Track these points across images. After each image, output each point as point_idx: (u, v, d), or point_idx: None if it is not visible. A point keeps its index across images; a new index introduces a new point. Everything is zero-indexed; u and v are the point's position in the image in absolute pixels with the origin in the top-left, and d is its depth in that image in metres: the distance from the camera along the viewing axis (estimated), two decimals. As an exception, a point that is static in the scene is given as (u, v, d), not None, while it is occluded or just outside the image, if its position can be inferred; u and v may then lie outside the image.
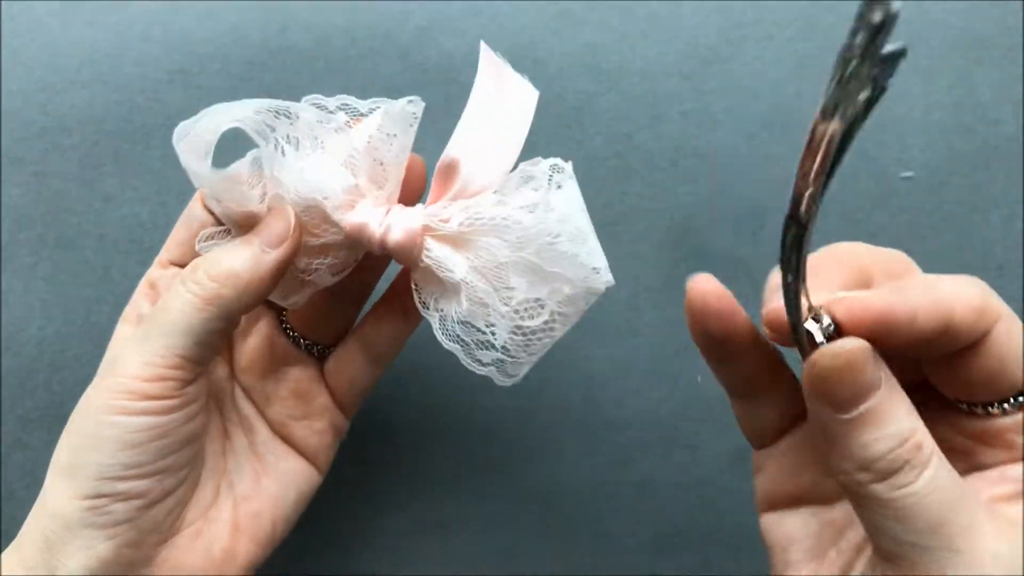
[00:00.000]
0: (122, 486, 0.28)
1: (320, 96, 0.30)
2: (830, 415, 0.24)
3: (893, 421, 0.24)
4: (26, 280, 0.41)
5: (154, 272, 0.34)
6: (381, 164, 0.30)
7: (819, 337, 0.24)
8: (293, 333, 0.35)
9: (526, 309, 0.30)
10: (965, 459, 0.26)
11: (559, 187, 0.30)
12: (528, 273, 0.29)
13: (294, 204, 0.30)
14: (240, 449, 0.34)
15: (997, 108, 0.42)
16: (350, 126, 0.30)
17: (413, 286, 0.31)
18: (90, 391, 0.29)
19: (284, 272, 0.30)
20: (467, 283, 0.29)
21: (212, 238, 0.32)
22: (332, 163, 0.29)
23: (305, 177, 0.29)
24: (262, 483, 0.33)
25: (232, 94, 0.41)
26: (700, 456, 0.41)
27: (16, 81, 0.41)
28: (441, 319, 0.31)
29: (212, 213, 0.32)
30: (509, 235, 0.29)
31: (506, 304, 0.30)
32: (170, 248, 0.34)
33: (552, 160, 0.30)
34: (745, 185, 0.42)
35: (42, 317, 0.41)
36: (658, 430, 0.41)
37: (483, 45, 0.31)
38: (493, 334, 0.30)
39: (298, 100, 0.41)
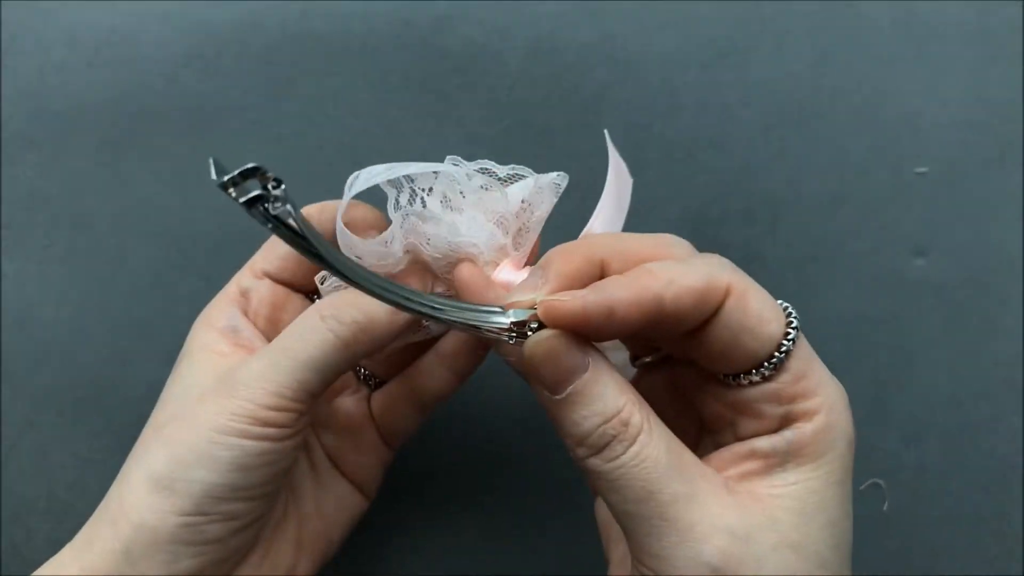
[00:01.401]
0: (225, 507, 0.28)
1: (458, 158, 0.31)
2: (547, 397, 0.27)
3: (599, 400, 0.26)
4: (40, 262, 0.41)
5: (246, 280, 0.33)
6: (524, 227, 0.32)
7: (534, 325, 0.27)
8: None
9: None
10: (731, 430, 0.28)
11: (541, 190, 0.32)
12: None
13: (433, 255, 0.30)
14: (302, 469, 0.34)
15: (1011, 104, 0.42)
16: (487, 188, 0.31)
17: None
18: (204, 405, 0.28)
19: (407, 332, 0.31)
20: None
21: (331, 278, 0.31)
22: (484, 222, 0.31)
23: (460, 230, 0.30)
24: (320, 504, 0.34)
25: (249, 78, 0.41)
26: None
27: (34, 62, 0.41)
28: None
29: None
30: (494, 204, 0.31)
31: None
32: (268, 259, 0.33)
33: (559, 176, 0.32)
34: (761, 177, 0.42)
35: (56, 299, 0.41)
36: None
37: (607, 135, 0.32)
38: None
39: (315, 85, 0.41)
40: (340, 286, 0.31)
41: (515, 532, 0.41)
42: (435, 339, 0.34)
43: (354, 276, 0.26)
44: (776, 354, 0.27)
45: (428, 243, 0.30)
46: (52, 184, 0.41)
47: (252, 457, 0.28)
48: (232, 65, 0.41)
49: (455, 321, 0.27)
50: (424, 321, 0.32)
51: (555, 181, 0.31)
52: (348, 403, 0.35)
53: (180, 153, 0.41)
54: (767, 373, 0.27)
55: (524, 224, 0.32)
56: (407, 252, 0.31)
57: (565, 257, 0.27)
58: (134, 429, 0.31)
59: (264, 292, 0.33)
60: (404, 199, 0.31)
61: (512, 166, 0.32)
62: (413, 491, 0.41)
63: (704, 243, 0.42)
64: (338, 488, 0.34)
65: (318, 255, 0.25)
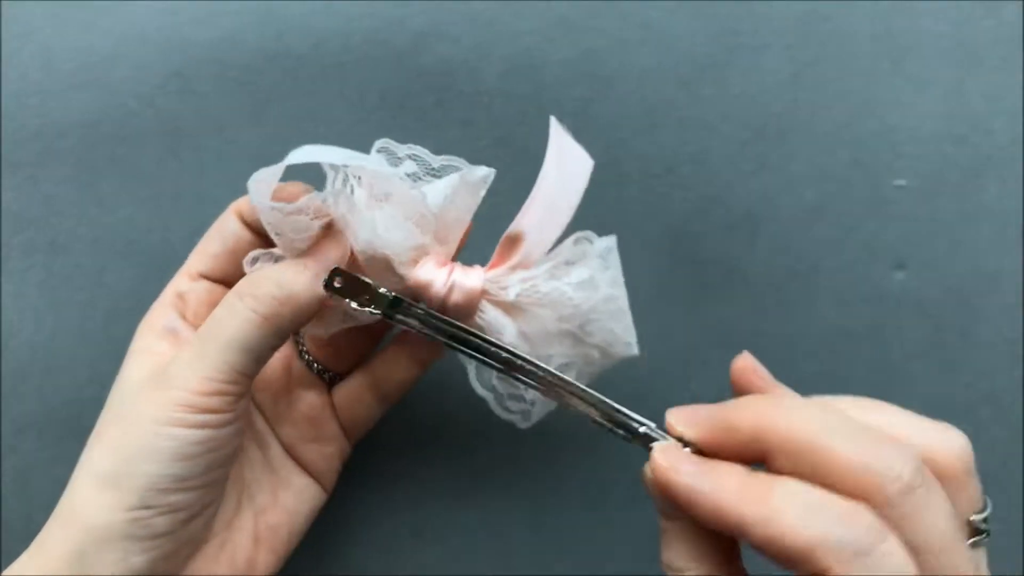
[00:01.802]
0: (170, 498, 0.28)
1: (391, 141, 0.31)
2: (659, 514, 0.27)
3: (668, 551, 0.27)
4: (19, 284, 0.41)
5: (182, 283, 0.33)
6: (446, 223, 0.32)
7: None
8: (308, 357, 0.35)
9: (560, 370, 0.32)
10: None
11: (606, 268, 0.33)
12: (567, 340, 0.32)
13: (359, 250, 0.31)
14: (256, 463, 0.34)
15: (990, 117, 0.43)
16: (419, 178, 0.31)
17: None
18: (141, 401, 0.29)
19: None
20: (512, 345, 0.31)
21: (259, 260, 0.32)
22: (403, 220, 0.31)
23: (378, 231, 0.30)
24: (279, 496, 0.34)
25: (227, 98, 0.41)
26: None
27: (11, 84, 0.41)
28: (478, 367, 0.33)
29: (252, 230, 0.32)
30: (559, 309, 0.32)
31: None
32: (202, 260, 0.33)
33: (605, 240, 0.33)
34: (740, 192, 0.42)
35: (35, 321, 0.40)
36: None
37: (552, 119, 0.32)
38: (526, 389, 0.32)
39: (293, 105, 0.41)
40: (263, 268, 0.31)
41: (505, 538, 0.41)
42: (387, 328, 0.35)
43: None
44: None
45: (354, 236, 0.31)
46: (30, 206, 0.41)
47: (192, 446, 0.28)
48: (210, 86, 0.41)
49: (592, 404, 0.29)
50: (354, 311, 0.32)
51: (482, 177, 0.31)
52: (310, 395, 0.35)
53: (158, 174, 0.41)
54: None
55: (449, 220, 0.32)
56: (324, 231, 0.31)
57: (733, 421, 0.26)
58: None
59: (201, 292, 0.33)
60: (339, 182, 0.31)
61: (446, 156, 0.32)
62: (380, 489, 0.41)
63: (684, 258, 0.42)
64: (296, 481, 0.35)
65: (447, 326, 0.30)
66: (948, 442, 0.26)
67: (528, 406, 0.33)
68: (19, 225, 0.41)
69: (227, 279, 0.33)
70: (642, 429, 0.28)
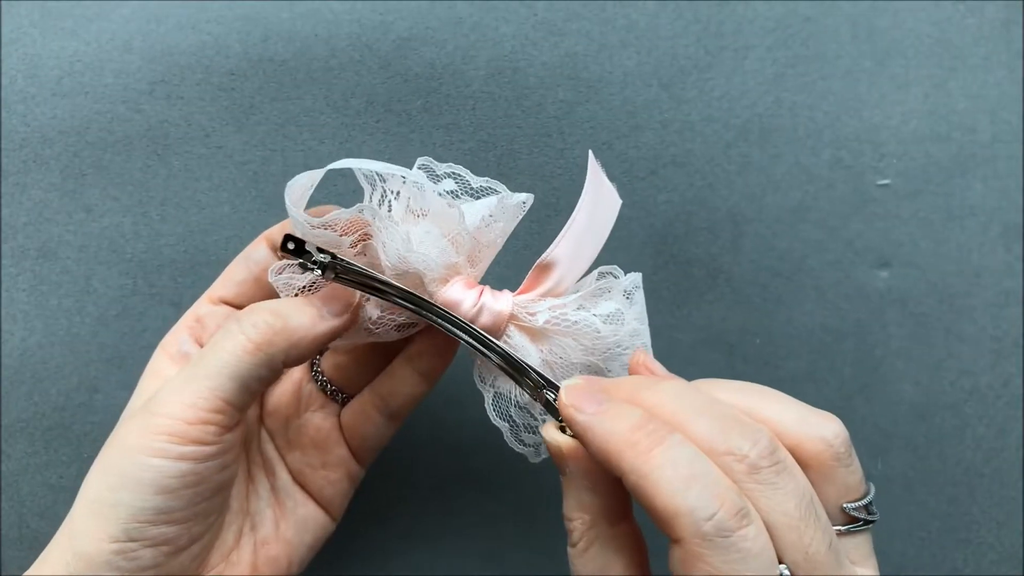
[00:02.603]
0: (153, 531, 0.28)
1: (431, 159, 0.31)
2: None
3: (565, 503, 0.28)
4: (8, 290, 0.41)
5: (202, 307, 0.33)
6: (481, 245, 0.32)
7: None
8: (322, 377, 0.35)
9: None
10: None
11: (632, 303, 0.33)
12: (587, 373, 0.32)
13: (389, 263, 0.30)
14: (263, 492, 0.34)
15: (972, 116, 0.43)
16: (458, 196, 0.31)
17: (474, 359, 0.33)
18: (128, 427, 0.29)
19: (333, 340, 0.31)
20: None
21: (284, 272, 0.31)
22: (438, 237, 0.31)
23: (412, 246, 0.30)
24: (280, 528, 0.33)
25: (213, 104, 0.41)
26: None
27: (-3, 92, 0.41)
28: (495, 396, 0.33)
29: (284, 254, 0.32)
30: (585, 340, 0.32)
31: None
32: (225, 285, 0.33)
33: (632, 276, 0.33)
34: (724, 193, 0.42)
35: (23, 328, 0.41)
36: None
37: (590, 154, 0.32)
38: (543, 421, 0.32)
39: (279, 110, 0.42)
40: (287, 279, 0.31)
41: (499, 541, 0.42)
42: (401, 345, 0.34)
43: (413, 301, 0.30)
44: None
45: (384, 248, 0.31)
46: (17, 213, 0.41)
47: (172, 479, 0.28)
48: (195, 91, 0.41)
49: (500, 353, 0.30)
50: (378, 327, 0.32)
51: (522, 202, 0.32)
52: (316, 418, 0.35)
53: (145, 180, 0.41)
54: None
55: (483, 243, 0.32)
56: (355, 246, 0.31)
57: (611, 393, 0.28)
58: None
59: (219, 317, 0.33)
60: (376, 198, 0.31)
61: (486, 179, 0.32)
62: (391, 503, 0.41)
63: (668, 258, 0.42)
64: (302, 510, 0.34)
65: (377, 282, 0.29)
66: (817, 428, 0.27)
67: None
68: (7, 232, 0.41)
69: (248, 304, 0.33)
70: (544, 392, 0.30)
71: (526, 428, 0.33)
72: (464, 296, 0.31)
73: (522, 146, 0.42)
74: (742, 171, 0.42)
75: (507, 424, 0.33)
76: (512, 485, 0.42)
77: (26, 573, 0.29)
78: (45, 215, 0.41)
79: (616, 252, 0.42)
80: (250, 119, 0.42)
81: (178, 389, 0.28)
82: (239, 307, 0.33)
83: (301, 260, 0.30)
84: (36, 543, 0.40)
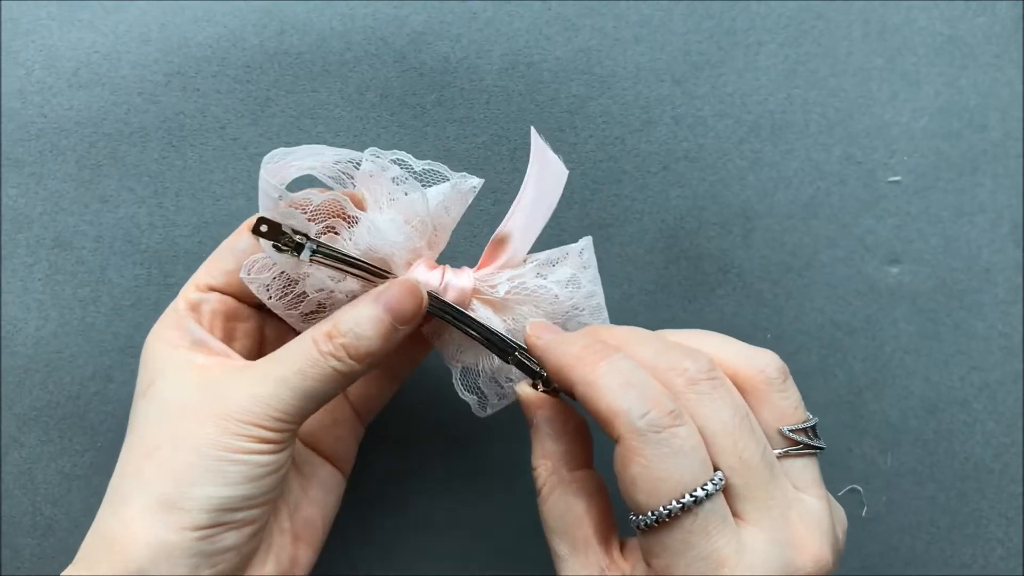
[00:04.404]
0: (240, 515, 0.29)
1: (378, 149, 0.32)
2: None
3: (533, 453, 0.32)
4: (24, 280, 0.41)
5: (193, 294, 0.33)
6: (437, 228, 0.34)
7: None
8: None
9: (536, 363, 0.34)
10: None
11: (585, 267, 0.35)
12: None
13: (360, 252, 0.32)
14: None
15: (984, 113, 0.43)
16: (403, 181, 0.33)
17: (434, 341, 0.35)
18: (197, 423, 0.29)
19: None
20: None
21: (256, 265, 0.32)
22: (401, 223, 0.32)
23: (381, 229, 0.32)
24: (308, 492, 0.35)
25: (229, 96, 0.42)
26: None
27: (14, 82, 0.41)
28: (463, 371, 0.35)
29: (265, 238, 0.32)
30: (544, 305, 0.34)
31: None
32: (212, 274, 0.33)
33: (583, 241, 0.35)
34: (735, 188, 0.42)
35: (39, 317, 0.41)
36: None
37: (532, 130, 0.34)
38: (511, 386, 0.35)
39: (294, 103, 0.42)
40: (257, 279, 0.33)
41: (504, 534, 0.42)
42: None
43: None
44: (635, 517, 0.27)
45: (351, 239, 0.32)
46: (34, 204, 0.41)
47: (260, 468, 0.29)
48: (211, 84, 0.42)
49: (477, 326, 0.33)
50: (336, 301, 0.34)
51: (473, 186, 0.33)
52: None
53: (160, 172, 0.41)
54: (631, 522, 0.28)
55: (440, 226, 0.34)
56: (320, 235, 0.32)
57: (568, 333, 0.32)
58: (118, 446, 0.31)
59: (215, 304, 0.33)
60: (348, 185, 0.33)
61: (428, 162, 0.33)
62: (395, 494, 0.42)
63: (680, 253, 0.43)
64: (320, 471, 0.36)
65: (351, 261, 0.31)
66: (752, 358, 0.30)
67: (507, 402, 0.35)
68: (23, 222, 0.41)
69: (238, 293, 0.34)
70: (516, 354, 0.33)
71: (495, 395, 0.35)
72: (429, 276, 0.33)
73: (535, 140, 0.42)
74: (754, 167, 0.42)
75: (475, 396, 0.35)
76: (519, 478, 0.42)
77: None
78: (61, 205, 0.41)
79: (628, 247, 0.42)
80: (265, 112, 0.42)
81: (264, 402, 0.29)
82: (229, 294, 0.34)
83: (275, 242, 0.31)
84: (49, 531, 0.40)
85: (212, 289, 0.33)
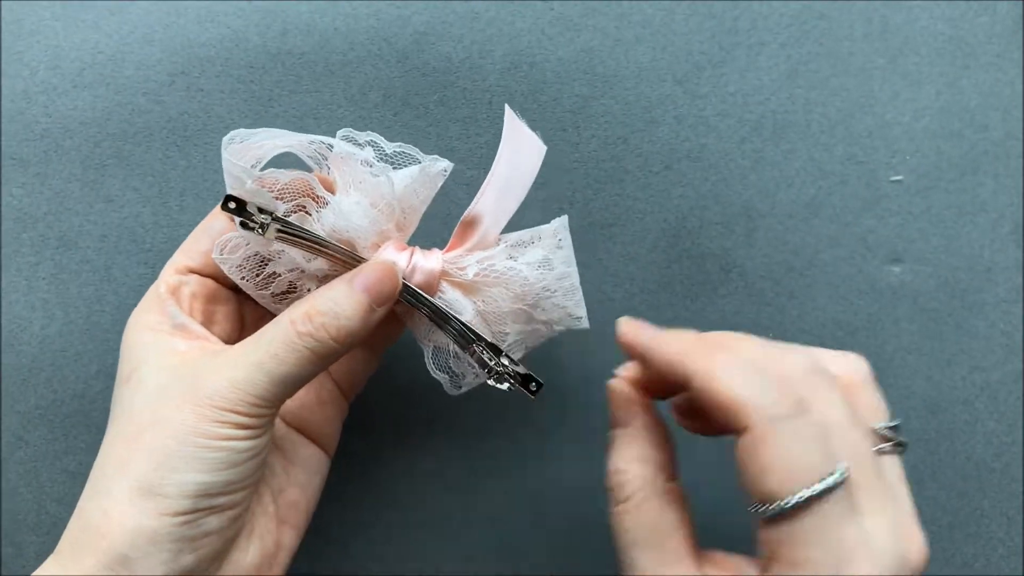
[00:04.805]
0: (222, 499, 0.29)
1: (352, 130, 0.33)
2: (613, 423, 0.32)
3: (616, 455, 0.31)
4: (28, 279, 0.41)
5: (172, 277, 0.33)
6: (405, 211, 0.33)
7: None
8: None
9: (512, 349, 0.35)
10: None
11: (559, 248, 0.34)
12: (521, 318, 0.34)
13: (326, 234, 0.32)
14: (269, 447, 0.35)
15: (985, 113, 0.43)
16: (373, 163, 0.33)
17: (406, 320, 0.35)
18: (178, 409, 0.29)
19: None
20: (473, 325, 0.33)
21: (227, 248, 0.33)
22: (367, 207, 0.32)
23: (346, 212, 0.32)
24: (291, 474, 0.35)
25: (232, 96, 0.42)
26: (694, 455, 0.42)
27: (19, 83, 0.42)
28: (434, 350, 0.35)
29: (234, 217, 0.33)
30: (515, 287, 0.33)
31: (501, 345, 0.34)
32: (191, 256, 0.34)
33: (558, 221, 0.35)
34: (737, 188, 0.42)
35: (44, 316, 0.41)
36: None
37: (507, 107, 0.34)
38: (492, 361, 0.34)
39: (297, 103, 0.42)
40: (228, 258, 0.33)
41: (507, 531, 0.42)
42: None
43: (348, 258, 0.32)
44: (762, 506, 0.26)
45: (319, 220, 0.32)
46: (39, 203, 0.41)
47: (239, 454, 0.29)
48: (215, 84, 0.42)
49: (436, 313, 0.33)
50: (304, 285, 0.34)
51: (442, 169, 0.33)
52: None
53: (164, 171, 0.42)
54: (754, 513, 0.27)
55: (408, 208, 0.33)
56: (288, 214, 0.32)
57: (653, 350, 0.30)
58: (121, 444, 0.32)
59: (195, 287, 0.34)
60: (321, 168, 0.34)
61: (399, 144, 0.34)
62: (397, 491, 0.42)
63: (682, 253, 0.43)
64: (304, 452, 0.35)
65: (317, 241, 0.32)
66: (843, 358, 0.31)
67: (479, 380, 0.35)
68: (28, 221, 0.41)
69: (216, 275, 0.34)
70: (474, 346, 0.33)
71: (464, 374, 0.35)
72: (396, 258, 0.33)
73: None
74: (756, 166, 0.42)
75: (447, 376, 0.35)
76: (519, 475, 0.42)
77: (47, 565, 0.29)
78: (66, 205, 0.42)
79: (630, 246, 0.42)
80: (269, 111, 0.42)
81: (240, 388, 0.29)
82: (207, 276, 0.34)
83: (242, 218, 0.31)
84: (55, 529, 0.40)
85: (191, 271, 0.34)
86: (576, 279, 0.35)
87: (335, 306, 0.30)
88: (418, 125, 0.42)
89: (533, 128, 0.34)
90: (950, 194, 0.43)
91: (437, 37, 0.42)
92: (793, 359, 0.28)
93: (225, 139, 0.31)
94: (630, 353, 0.31)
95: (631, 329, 0.31)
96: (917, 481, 0.42)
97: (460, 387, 0.35)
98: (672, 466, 0.31)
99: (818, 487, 0.25)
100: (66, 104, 0.42)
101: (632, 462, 0.30)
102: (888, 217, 0.43)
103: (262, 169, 0.32)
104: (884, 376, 0.42)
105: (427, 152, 0.33)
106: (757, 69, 0.43)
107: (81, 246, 0.41)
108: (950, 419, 0.42)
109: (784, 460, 0.26)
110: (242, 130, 0.32)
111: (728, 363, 0.28)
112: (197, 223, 0.41)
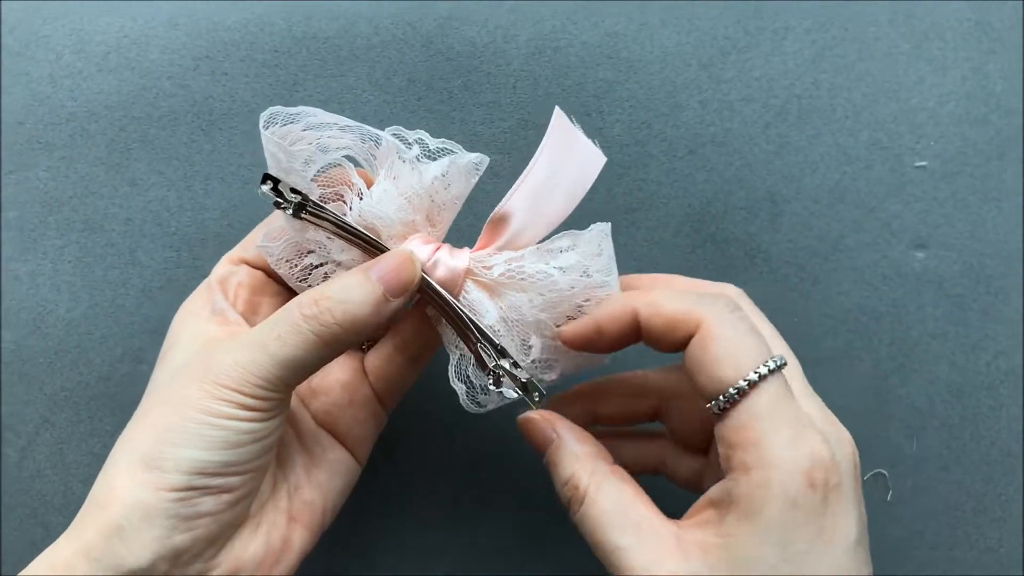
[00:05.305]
0: (218, 481, 0.29)
1: (402, 128, 0.32)
2: (540, 451, 0.33)
3: (559, 467, 0.32)
4: (54, 262, 0.41)
5: (223, 268, 0.34)
6: (437, 205, 0.32)
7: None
8: None
9: (538, 367, 0.33)
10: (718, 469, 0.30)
11: (599, 254, 0.32)
12: (547, 332, 0.33)
13: (353, 219, 0.32)
14: (288, 440, 0.34)
15: (1010, 98, 0.43)
16: (420, 159, 0.32)
17: (436, 323, 0.34)
18: (186, 385, 0.29)
19: (393, 320, 0.32)
20: (494, 330, 0.32)
21: (271, 236, 0.33)
22: (396, 195, 0.32)
23: (373, 201, 0.32)
24: (312, 473, 0.34)
25: (257, 80, 0.42)
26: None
27: (45, 67, 0.42)
28: (459, 358, 0.33)
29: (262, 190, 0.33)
30: (544, 292, 0.32)
31: (523, 359, 0.33)
32: (246, 248, 0.35)
33: (598, 226, 0.33)
34: (761, 173, 0.42)
35: (69, 299, 0.41)
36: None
37: (557, 110, 0.32)
38: (508, 384, 0.32)
39: (322, 87, 0.42)
40: (270, 246, 0.33)
41: (508, 533, 0.42)
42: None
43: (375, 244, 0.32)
44: (721, 397, 0.28)
45: (351, 208, 0.32)
46: (65, 187, 0.42)
47: (241, 435, 0.29)
48: (239, 68, 0.42)
49: (453, 311, 0.32)
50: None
51: (474, 163, 0.32)
52: (341, 360, 0.35)
53: (189, 155, 0.42)
54: (715, 411, 0.29)
55: (440, 202, 0.32)
56: (324, 200, 0.32)
57: (611, 303, 0.32)
58: (148, 426, 0.32)
59: (243, 276, 0.34)
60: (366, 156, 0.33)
61: (442, 140, 0.32)
62: (400, 493, 0.42)
63: (706, 238, 0.43)
64: (331, 454, 0.35)
65: (342, 224, 0.32)
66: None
67: (498, 400, 0.33)
68: (54, 205, 0.42)
69: (267, 267, 0.34)
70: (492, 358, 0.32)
71: (483, 389, 0.33)
72: (419, 250, 0.32)
73: (562, 125, 0.42)
74: (780, 151, 0.42)
75: (464, 387, 0.33)
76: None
77: (57, 543, 0.30)
78: (91, 189, 0.42)
79: (654, 231, 0.42)
80: (293, 96, 0.42)
81: (245, 366, 0.29)
82: (259, 268, 0.34)
83: (277, 198, 0.32)
84: (80, 511, 0.41)
85: (244, 262, 0.34)
86: (615, 289, 0.32)
87: (344, 291, 0.30)
88: (442, 110, 0.42)
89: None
90: (975, 179, 0.43)
91: (461, 21, 0.42)
92: (717, 286, 0.34)
93: (264, 116, 0.31)
94: (581, 346, 0.32)
95: (570, 329, 0.32)
96: (941, 466, 0.42)
97: (480, 404, 0.33)
98: (607, 452, 0.32)
99: (763, 368, 0.28)
100: (91, 88, 0.42)
101: (573, 464, 0.31)
102: (913, 202, 0.43)
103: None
104: (908, 361, 0.42)
105: (450, 137, 0.33)
106: (782, 54, 0.43)
107: (106, 230, 0.42)
108: (975, 404, 0.42)
109: (732, 347, 0.28)
110: (280, 108, 0.32)
111: (665, 291, 0.31)
112: (222, 207, 0.42)
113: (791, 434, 0.27)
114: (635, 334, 0.31)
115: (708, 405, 0.29)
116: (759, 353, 0.28)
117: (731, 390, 0.28)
